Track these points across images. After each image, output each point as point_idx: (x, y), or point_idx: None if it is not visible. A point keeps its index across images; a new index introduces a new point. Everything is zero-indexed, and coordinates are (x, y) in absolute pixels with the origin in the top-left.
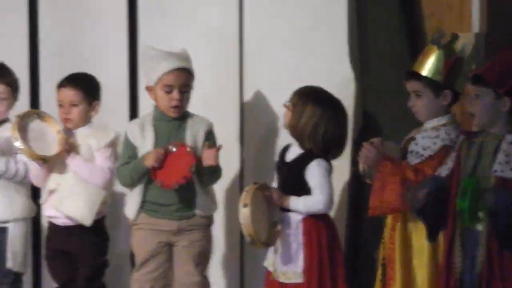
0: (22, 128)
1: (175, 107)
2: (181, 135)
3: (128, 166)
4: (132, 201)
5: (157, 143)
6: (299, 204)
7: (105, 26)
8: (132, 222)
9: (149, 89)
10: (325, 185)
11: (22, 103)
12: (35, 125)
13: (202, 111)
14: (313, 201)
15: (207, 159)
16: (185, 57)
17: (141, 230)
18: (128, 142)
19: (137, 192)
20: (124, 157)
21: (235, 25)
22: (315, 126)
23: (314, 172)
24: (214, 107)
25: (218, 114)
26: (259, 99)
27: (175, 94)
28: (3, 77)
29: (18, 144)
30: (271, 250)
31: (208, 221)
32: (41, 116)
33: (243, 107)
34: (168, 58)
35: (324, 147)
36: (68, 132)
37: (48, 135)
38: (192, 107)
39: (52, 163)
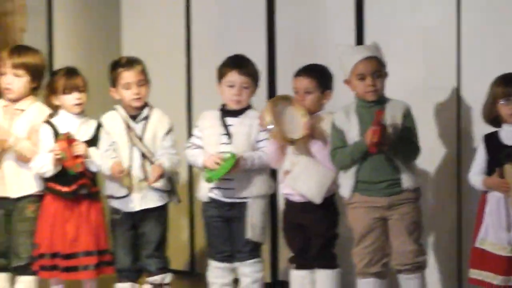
0: (273, 112)
1: (370, 92)
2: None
3: (346, 149)
4: (346, 182)
5: (361, 126)
6: None
7: (335, 20)
8: (347, 201)
9: (347, 82)
10: None
11: (262, 91)
12: (283, 109)
13: (419, 105)
14: None
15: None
16: (373, 47)
17: (356, 208)
18: (336, 128)
19: (350, 174)
20: (336, 142)
21: (453, 23)
22: None
23: None
24: (431, 102)
25: (435, 108)
26: (476, 93)
27: (368, 80)
28: (246, 68)
29: (271, 127)
30: (490, 230)
31: (416, 195)
32: (289, 101)
33: (459, 101)
34: (358, 50)
35: None
36: (313, 117)
37: (295, 119)
38: (409, 102)
39: (286, 146)
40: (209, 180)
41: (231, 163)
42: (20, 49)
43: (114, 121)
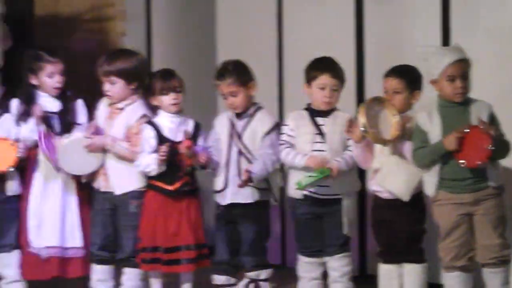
0: (368, 115)
1: (460, 93)
2: (466, 118)
3: (425, 150)
4: (430, 180)
5: (444, 127)
6: None
7: (420, 22)
8: (433, 199)
9: (433, 82)
10: None
11: (350, 92)
12: (377, 111)
13: (502, 104)
14: None
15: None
16: (461, 49)
17: (442, 205)
18: (419, 129)
19: (434, 172)
20: (418, 142)
21: None
22: None
23: None
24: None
25: None
26: None
27: (458, 82)
28: (336, 71)
29: (363, 129)
30: None
31: (500, 191)
32: (382, 102)
33: None
34: (449, 52)
35: None
36: (404, 117)
37: (387, 119)
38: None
39: (374, 146)
40: (300, 186)
41: (321, 177)
42: (111, 57)
43: (222, 119)
